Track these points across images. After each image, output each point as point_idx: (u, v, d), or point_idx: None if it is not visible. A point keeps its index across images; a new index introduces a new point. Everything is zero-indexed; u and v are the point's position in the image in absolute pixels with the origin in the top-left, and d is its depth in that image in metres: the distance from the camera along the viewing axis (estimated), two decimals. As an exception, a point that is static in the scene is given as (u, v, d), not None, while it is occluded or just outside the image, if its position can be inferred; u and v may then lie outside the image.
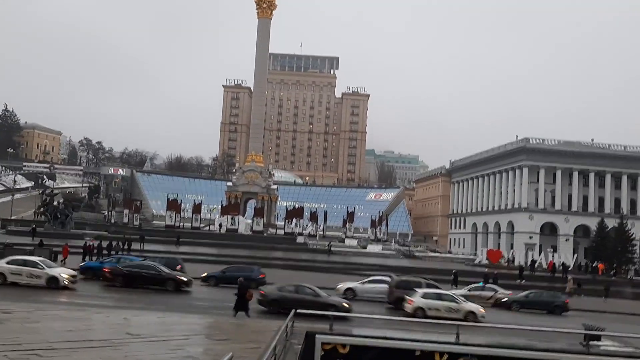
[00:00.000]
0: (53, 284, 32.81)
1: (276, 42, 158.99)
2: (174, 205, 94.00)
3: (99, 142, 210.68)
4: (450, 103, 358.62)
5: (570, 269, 74.63)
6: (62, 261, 45.97)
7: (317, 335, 13.88)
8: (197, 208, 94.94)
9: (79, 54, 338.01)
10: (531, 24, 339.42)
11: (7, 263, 34.08)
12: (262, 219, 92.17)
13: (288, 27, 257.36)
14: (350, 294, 38.50)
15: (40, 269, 33.57)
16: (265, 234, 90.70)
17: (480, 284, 46.21)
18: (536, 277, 63.30)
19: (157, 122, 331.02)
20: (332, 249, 78.78)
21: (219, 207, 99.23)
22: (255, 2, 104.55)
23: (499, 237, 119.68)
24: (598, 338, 22.00)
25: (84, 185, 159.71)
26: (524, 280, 59.33)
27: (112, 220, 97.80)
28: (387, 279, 41.08)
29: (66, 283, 33.36)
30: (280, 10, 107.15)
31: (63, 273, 34.07)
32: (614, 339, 23.45)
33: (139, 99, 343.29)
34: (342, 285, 40.27)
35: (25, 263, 34.20)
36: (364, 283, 40.67)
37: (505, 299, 41.94)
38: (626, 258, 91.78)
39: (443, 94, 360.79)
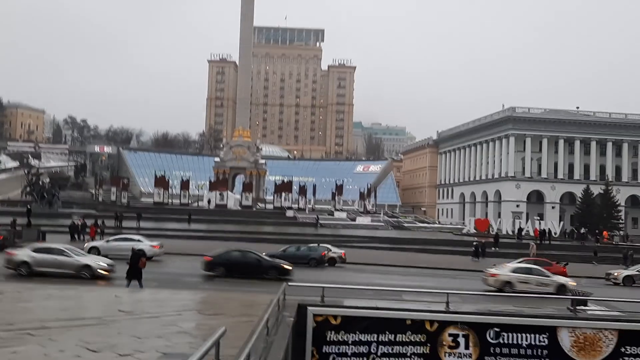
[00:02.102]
0: (562, 292, 30.98)
1: (261, 14, 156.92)
2: (161, 182, 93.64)
3: (83, 120, 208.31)
4: (436, 75, 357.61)
5: (556, 235, 75.69)
6: (90, 240, 46.35)
7: (309, 308, 13.98)
8: (185, 184, 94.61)
9: (58, 30, 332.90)
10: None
11: (513, 272, 33.21)
12: (251, 194, 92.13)
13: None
14: (94, 251, 38.85)
15: (547, 277, 32.71)
16: (254, 209, 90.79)
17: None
18: (522, 244, 63.95)
19: (142, 99, 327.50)
20: (322, 222, 79.06)
21: (207, 183, 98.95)
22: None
23: (487, 206, 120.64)
24: (585, 303, 22.38)
25: (70, 164, 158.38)
26: (497, 248, 59.78)
27: (100, 199, 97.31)
28: (135, 237, 42.31)
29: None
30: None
31: (570, 281, 33.01)
32: (600, 303, 23.84)
33: (122, 76, 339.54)
34: (88, 244, 41.15)
35: (530, 271, 33.43)
36: (108, 241, 41.55)
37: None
38: (611, 224, 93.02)
39: (429, 67, 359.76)
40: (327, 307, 14.80)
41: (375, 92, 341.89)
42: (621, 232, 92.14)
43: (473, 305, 22.08)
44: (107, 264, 30.77)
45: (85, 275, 29.37)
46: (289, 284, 16.64)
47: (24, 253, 30.95)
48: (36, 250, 31.09)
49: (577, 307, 21.12)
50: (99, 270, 29.99)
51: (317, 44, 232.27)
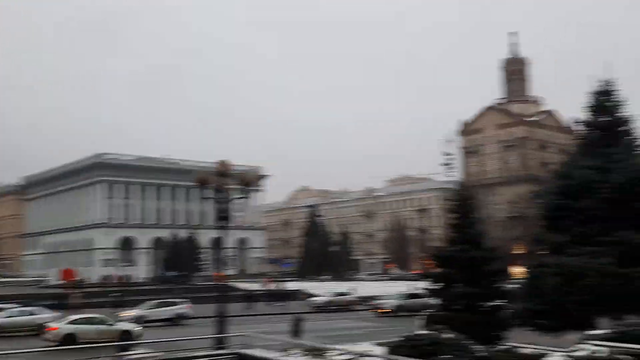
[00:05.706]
0: None
1: None
2: None
3: None
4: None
5: (140, 280, 76.95)
6: None
7: None
8: None
9: None
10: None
11: None
12: None
13: None
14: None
15: None
16: None
17: None
18: (104, 292, 62.79)
19: None
20: None
21: None
22: None
23: (77, 256, 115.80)
24: (127, 348, 22.42)
25: None
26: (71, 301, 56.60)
27: None
28: None
29: None
30: None
31: None
32: (149, 345, 24.02)
33: None
34: None
35: None
36: None
37: None
38: (196, 266, 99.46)
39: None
40: None
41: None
42: (204, 273, 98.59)
43: None
44: None
45: None
46: None
47: None
48: None
49: (122, 353, 21.09)
50: None
51: None
